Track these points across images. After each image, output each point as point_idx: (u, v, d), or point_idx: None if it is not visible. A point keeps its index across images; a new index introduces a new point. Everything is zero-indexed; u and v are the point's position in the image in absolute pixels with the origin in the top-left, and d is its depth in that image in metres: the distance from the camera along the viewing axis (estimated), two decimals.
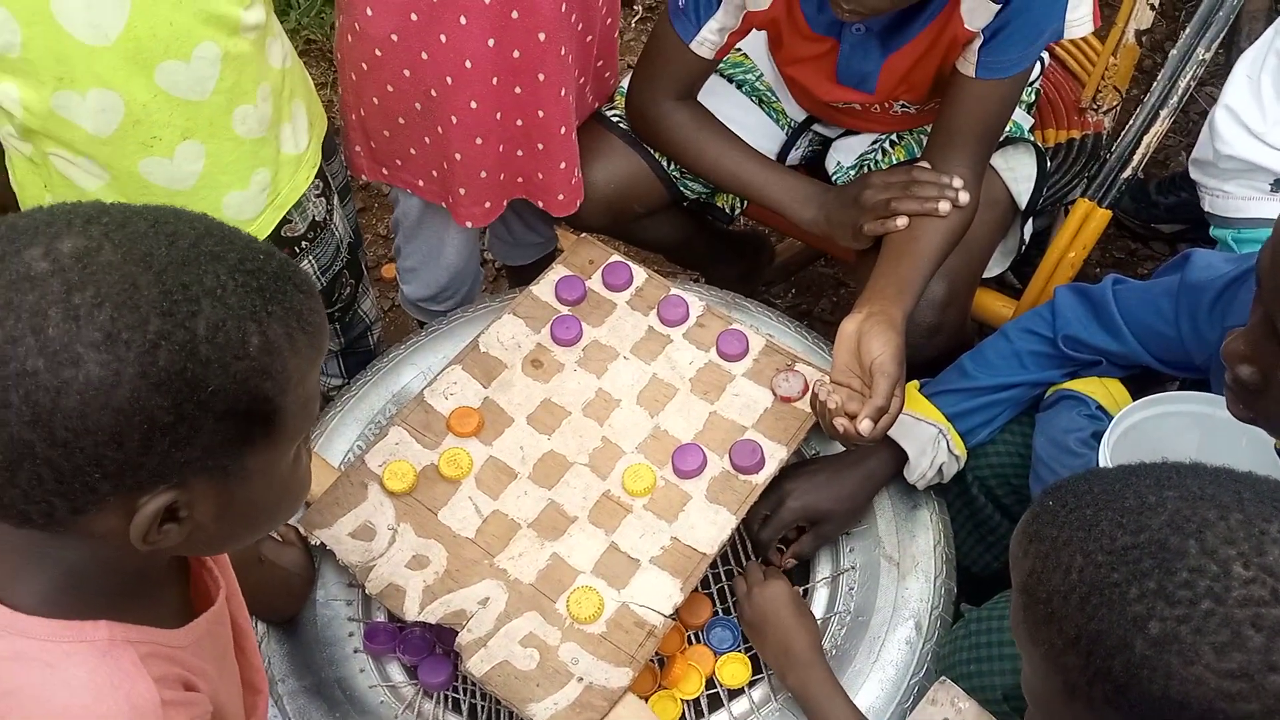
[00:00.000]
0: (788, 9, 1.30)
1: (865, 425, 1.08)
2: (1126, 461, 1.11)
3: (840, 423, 1.10)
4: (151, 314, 0.60)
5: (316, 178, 1.37)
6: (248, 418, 0.66)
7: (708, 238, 1.78)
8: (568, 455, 1.25)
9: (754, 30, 1.37)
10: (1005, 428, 1.27)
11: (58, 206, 0.65)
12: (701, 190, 1.53)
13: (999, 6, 1.17)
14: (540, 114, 1.35)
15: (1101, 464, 1.11)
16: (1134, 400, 1.18)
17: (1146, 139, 1.31)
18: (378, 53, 1.29)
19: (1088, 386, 1.21)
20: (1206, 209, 1.55)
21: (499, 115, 1.34)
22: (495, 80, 1.30)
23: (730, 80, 1.55)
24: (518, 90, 1.32)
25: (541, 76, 1.31)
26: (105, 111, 1.10)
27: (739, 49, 1.56)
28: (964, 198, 1.22)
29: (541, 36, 1.27)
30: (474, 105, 1.31)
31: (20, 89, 1.06)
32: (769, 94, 1.55)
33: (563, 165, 1.40)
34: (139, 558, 0.68)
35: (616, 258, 1.42)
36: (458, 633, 1.13)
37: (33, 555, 0.70)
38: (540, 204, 1.46)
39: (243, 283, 0.64)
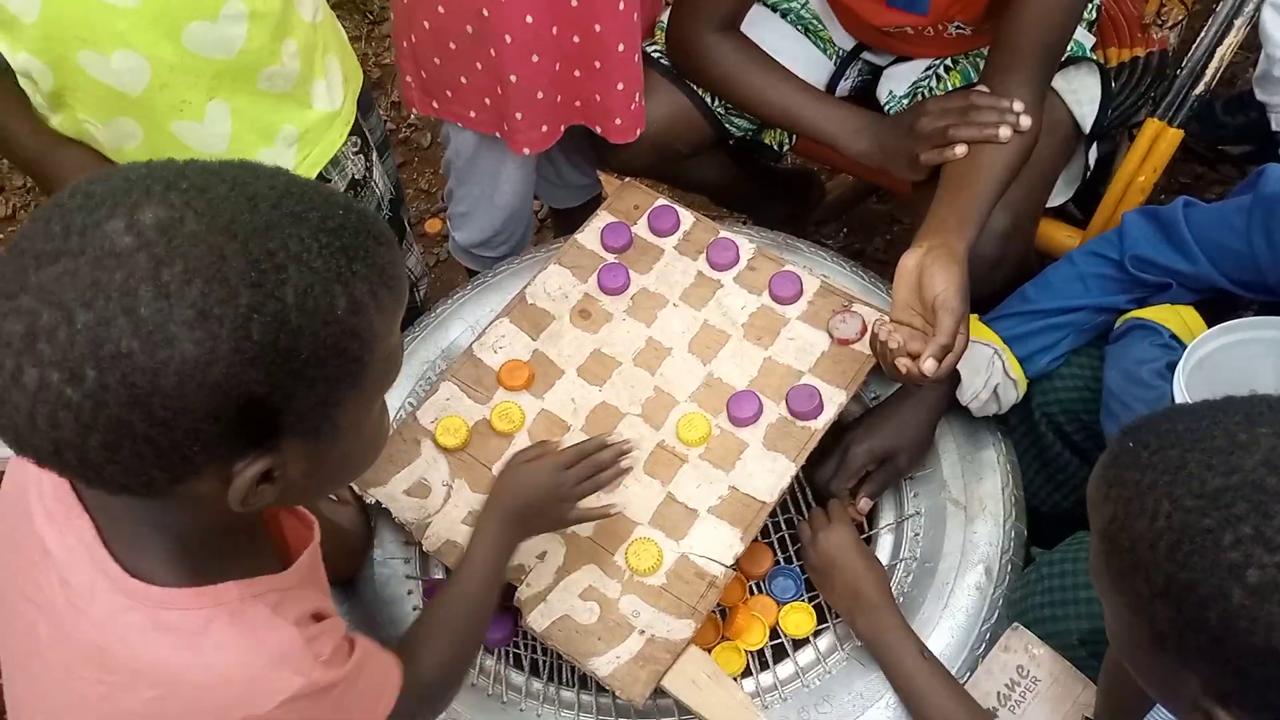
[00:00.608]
0: None
1: (929, 365, 1.04)
2: (1202, 393, 1.08)
3: (903, 363, 1.06)
4: (241, 286, 0.59)
5: (354, 134, 1.34)
6: (338, 379, 0.65)
7: (755, 177, 1.73)
8: (620, 406, 1.23)
9: None
10: (1073, 360, 1.22)
11: (133, 168, 0.63)
12: (748, 127, 1.48)
13: None
14: (597, 28, 1.30)
15: (1176, 396, 1.06)
16: (1208, 327, 1.12)
17: (1220, 52, 1.24)
18: None
19: (1160, 314, 1.16)
20: (1274, 128, 1.47)
21: (555, 29, 1.30)
22: None
23: (774, 9, 1.49)
24: (574, 2, 1.28)
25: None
26: (131, 73, 1.08)
27: None
28: (1025, 122, 1.16)
29: None
30: (529, 19, 1.27)
31: (40, 56, 1.04)
32: (815, 22, 1.49)
33: (621, 86, 1.36)
34: (238, 515, 0.69)
35: (662, 201, 1.38)
36: (516, 588, 1.11)
37: (143, 523, 0.71)
38: (599, 129, 1.41)
39: (326, 244, 0.62)
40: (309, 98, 1.25)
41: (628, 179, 1.45)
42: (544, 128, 1.39)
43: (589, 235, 1.35)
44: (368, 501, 1.19)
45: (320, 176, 1.30)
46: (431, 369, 1.31)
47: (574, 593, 1.11)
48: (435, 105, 1.43)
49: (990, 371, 1.15)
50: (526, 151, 1.41)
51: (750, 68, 1.33)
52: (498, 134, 1.42)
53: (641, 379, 1.25)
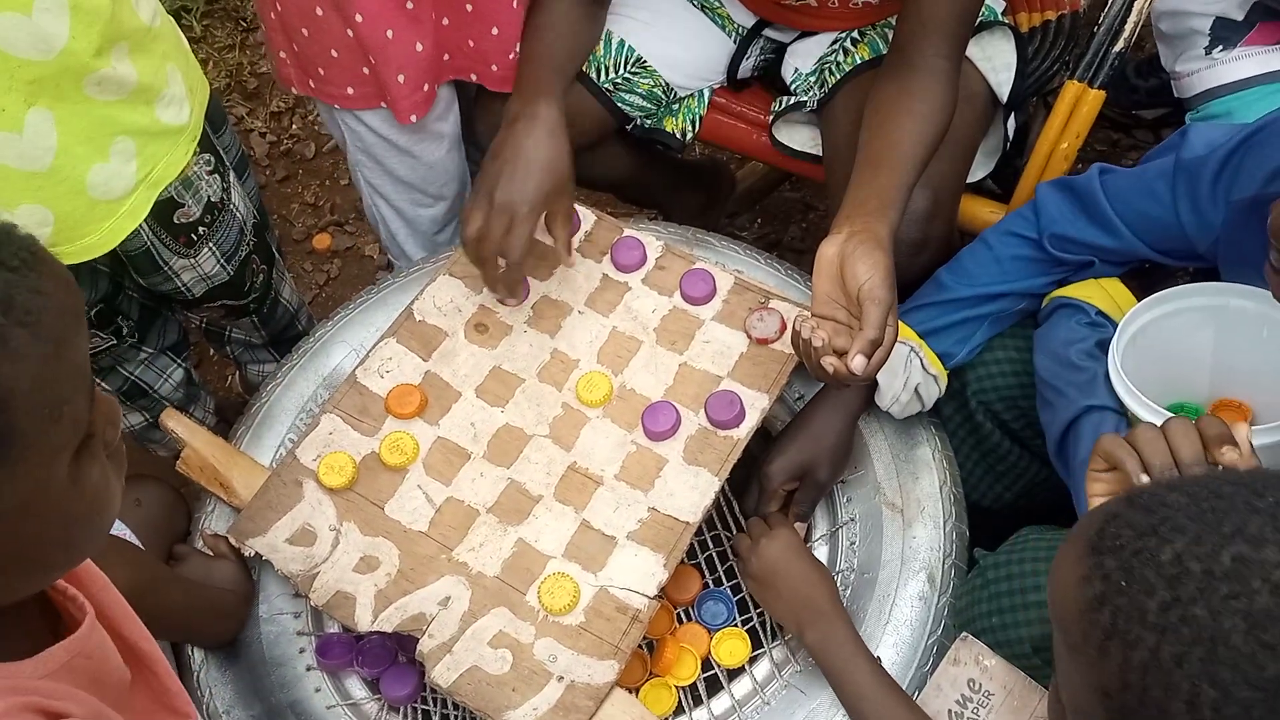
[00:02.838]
0: None
1: (858, 362, 0.95)
2: (1138, 371, 1.01)
3: (829, 362, 0.97)
4: None
5: (205, 152, 1.20)
6: None
7: (660, 169, 1.63)
8: (525, 428, 1.12)
9: None
10: (1007, 343, 1.14)
11: None
12: (643, 107, 1.38)
13: None
14: None
15: (1112, 376, 0.99)
16: (1136, 300, 1.06)
17: (1138, 4, 1.17)
18: None
19: (1084, 291, 1.09)
20: (1176, 95, 1.43)
21: None
22: None
23: None
24: None
25: None
26: None
27: None
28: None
29: None
30: None
31: None
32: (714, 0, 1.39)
33: (495, 31, 1.25)
34: None
35: None
36: (418, 640, 1.00)
37: None
38: (473, 77, 1.30)
39: None
40: (149, 109, 1.11)
41: None
42: (425, 87, 1.28)
43: None
44: (246, 554, 1.06)
45: (171, 199, 1.17)
46: (312, 400, 1.18)
47: (483, 640, 1.00)
48: (312, 84, 1.30)
49: (909, 371, 1.06)
50: (413, 119, 1.29)
51: (555, 17, 1.22)
52: (382, 105, 1.29)
53: (548, 396, 1.14)
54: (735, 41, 1.41)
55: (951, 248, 1.22)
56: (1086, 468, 0.97)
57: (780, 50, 1.42)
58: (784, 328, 1.16)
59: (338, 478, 1.08)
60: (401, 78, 1.24)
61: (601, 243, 1.25)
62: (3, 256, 0.52)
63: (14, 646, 0.63)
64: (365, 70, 1.25)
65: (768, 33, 1.41)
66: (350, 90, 1.28)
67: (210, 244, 1.25)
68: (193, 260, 1.24)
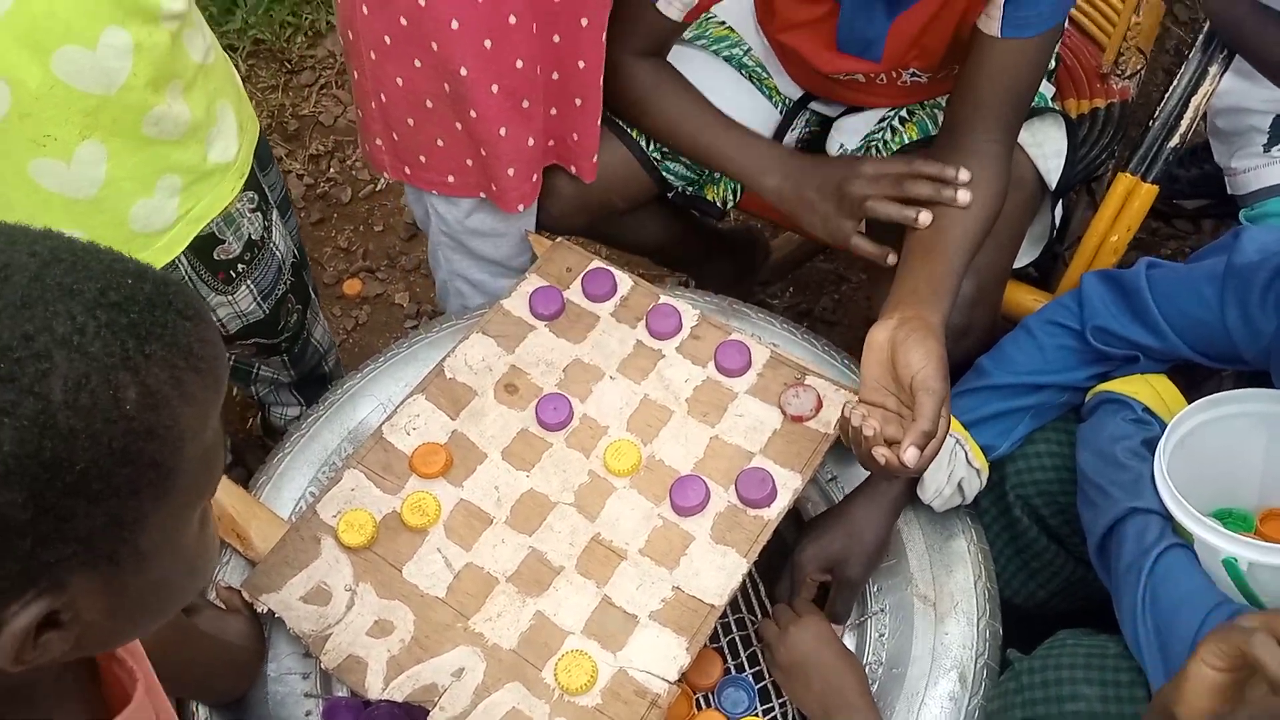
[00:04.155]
0: None
1: (911, 454, 0.92)
2: (1185, 474, 0.98)
3: (880, 453, 0.94)
4: None
5: (250, 189, 1.20)
6: (134, 492, 0.51)
7: (697, 236, 1.62)
8: (550, 494, 1.09)
9: None
10: (1048, 436, 1.11)
11: None
12: (687, 175, 1.37)
13: None
14: (581, 64, 1.19)
15: (1159, 482, 0.96)
16: (1184, 398, 1.03)
17: (1195, 101, 1.16)
18: (403, 21, 1.11)
19: (1131, 386, 1.06)
20: (1230, 191, 1.42)
21: (539, 70, 1.18)
22: (536, 29, 1.14)
23: (717, 55, 1.39)
24: (556, 39, 1.16)
25: (584, 21, 1.15)
26: None
27: (723, 22, 1.40)
28: (964, 197, 1.05)
29: None
30: (520, 65, 1.15)
31: None
32: (759, 70, 1.39)
33: (596, 123, 1.25)
34: (24, 674, 0.53)
35: (598, 263, 1.26)
36: (429, 712, 0.96)
37: None
38: (573, 169, 1.30)
39: (108, 321, 0.50)
40: (200, 146, 1.11)
41: (560, 239, 1.32)
42: (534, 177, 1.27)
43: (516, 301, 1.22)
44: (259, 610, 1.03)
45: (212, 235, 1.16)
46: (336, 454, 1.16)
47: (495, 717, 0.96)
48: (408, 171, 1.29)
49: (953, 464, 1.03)
50: (521, 208, 1.28)
51: (666, 91, 1.24)
52: (483, 195, 1.28)
53: (575, 462, 1.11)
54: (781, 113, 1.40)
55: (995, 334, 1.20)
56: (1131, 573, 0.94)
57: (826, 124, 1.41)
58: (819, 406, 1.14)
59: (357, 536, 1.05)
60: (511, 171, 1.23)
61: (637, 308, 1.23)
62: (179, 306, 0.54)
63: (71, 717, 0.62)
64: (469, 161, 1.24)
65: (814, 106, 1.40)
66: (451, 179, 1.27)
67: (248, 281, 1.24)
68: (230, 297, 1.24)
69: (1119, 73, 1.50)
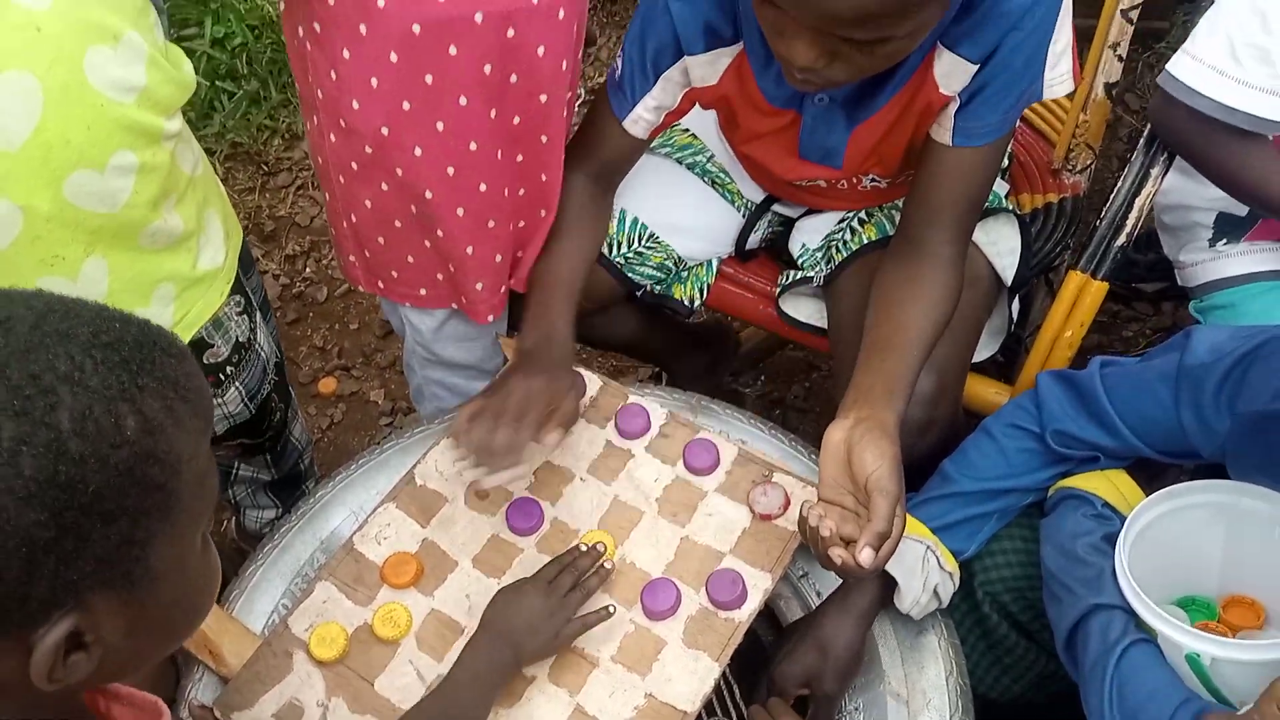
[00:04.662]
0: (740, 84, 1.18)
1: (866, 555, 0.93)
2: (1146, 567, 0.99)
3: (837, 554, 0.95)
4: (2, 418, 0.53)
5: (236, 293, 1.22)
6: (143, 511, 0.57)
7: (667, 331, 1.65)
8: None
9: (699, 108, 1.26)
10: (1013, 532, 1.13)
11: None
12: (655, 276, 1.40)
13: (976, 68, 1.05)
14: (544, 178, 1.22)
15: (1120, 579, 0.97)
16: (1144, 493, 1.05)
17: (1139, 201, 1.20)
18: (368, 150, 1.14)
19: (1091, 482, 1.08)
20: (1180, 283, 1.46)
21: (506, 191, 1.21)
22: (500, 154, 1.17)
23: (680, 163, 1.43)
24: (520, 159, 1.19)
25: (544, 138, 1.19)
26: (0, 222, 0.95)
27: (687, 129, 1.45)
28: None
29: (543, 99, 1.15)
30: (483, 188, 1.18)
31: None
32: (723, 175, 1.43)
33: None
34: (53, 701, 0.59)
35: None
36: None
37: None
38: (513, 280, 1.31)
39: (103, 359, 0.57)
40: (191, 254, 1.14)
41: None
42: (503, 289, 1.30)
43: None
44: None
45: (202, 340, 1.18)
46: (309, 565, 1.16)
47: None
48: (381, 285, 1.31)
49: (927, 571, 1.05)
50: (491, 319, 1.30)
51: (573, 234, 1.23)
52: (455, 305, 1.31)
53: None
54: (744, 216, 1.44)
55: (957, 429, 1.22)
56: (1097, 670, 0.95)
57: (788, 224, 1.45)
58: (787, 503, 1.15)
59: (329, 650, 1.05)
60: (480, 285, 1.26)
61: (606, 408, 1.25)
62: (163, 345, 0.61)
63: None
64: (440, 276, 1.27)
65: (776, 208, 1.44)
66: (423, 291, 1.30)
67: (237, 383, 1.26)
68: (220, 400, 1.25)
69: (1070, 168, 1.55)
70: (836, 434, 1.01)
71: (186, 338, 1.16)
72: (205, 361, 1.20)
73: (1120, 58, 1.52)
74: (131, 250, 1.06)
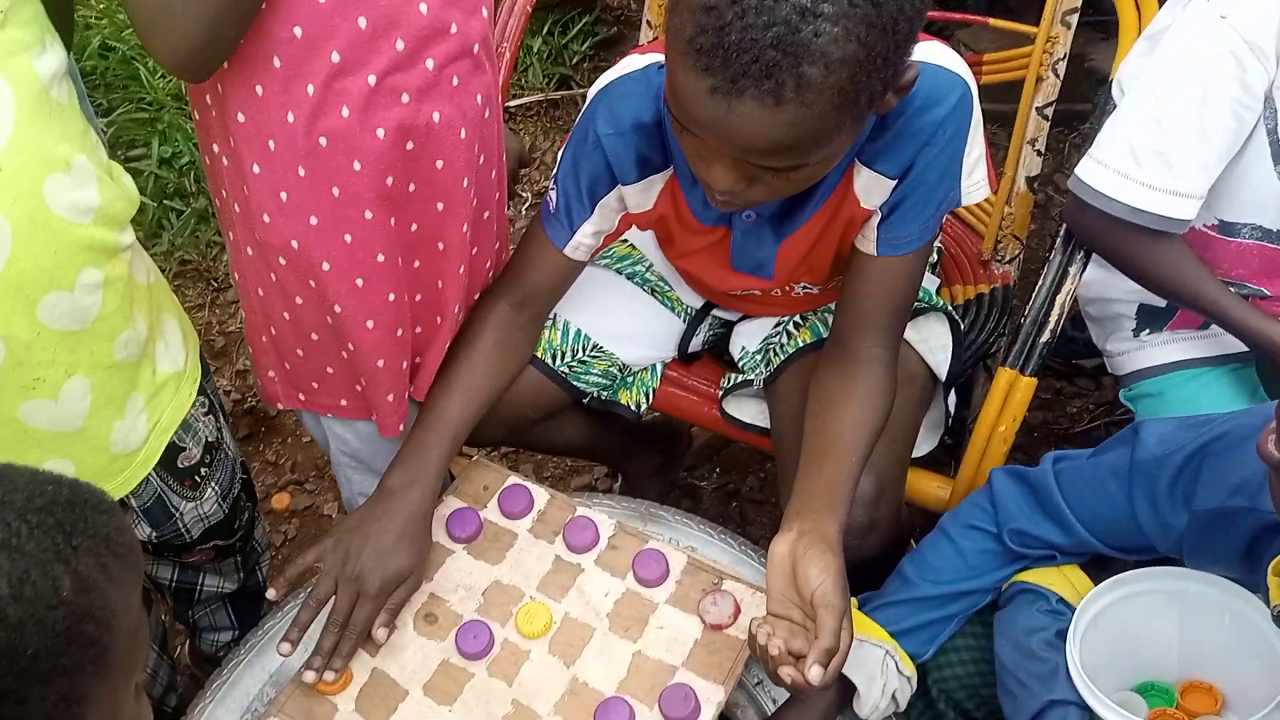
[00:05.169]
0: (673, 205, 1.22)
1: (815, 672, 0.94)
2: (1099, 657, 1.01)
3: (786, 673, 0.96)
4: None
5: (202, 395, 1.23)
6: (78, 669, 0.58)
7: (617, 432, 1.66)
8: None
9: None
10: (966, 630, 1.14)
11: None
12: (600, 383, 1.42)
13: (894, 182, 1.10)
14: (440, 284, 1.24)
15: (1072, 673, 0.98)
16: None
17: (1060, 299, 1.24)
18: (281, 262, 1.16)
19: (1045, 577, 1.10)
20: (1109, 371, 1.50)
21: (408, 297, 1.22)
22: (400, 261, 1.19)
23: (620, 274, 1.46)
24: (417, 264, 1.21)
25: (441, 245, 1.21)
26: None
27: (626, 240, 1.48)
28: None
29: (440, 206, 1.17)
30: (392, 298, 1.19)
31: None
32: (662, 283, 1.47)
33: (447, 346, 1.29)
34: None
35: (513, 480, 1.29)
36: None
37: None
38: (413, 389, 1.31)
39: (38, 523, 0.58)
40: (151, 361, 1.15)
41: (477, 456, 1.36)
42: (405, 395, 1.30)
43: (434, 525, 1.24)
44: None
45: (173, 444, 1.19)
46: (258, 700, 1.14)
47: None
48: (302, 398, 1.32)
49: (886, 675, 1.05)
50: (401, 429, 1.30)
51: (471, 365, 1.24)
52: (372, 418, 1.31)
53: (497, 692, 1.11)
54: (685, 321, 1.47)
55: (900, 527, 1.24)
56: None
57: (729, 326, 1.48)
58: (738, 612, 1.15)
59: None
60: (390, 397, 1.27)
61: (554, 522, 1.25)
62: (94, 503, 0.62)
63: None
64: (359, 386, 1.28)
65: (716, 312, 1.47)
66: (344, 402, 1.31)
67: (212, 483, 1.27)
68: (197, 502, 1.26)
69: (999, 259, 1.61)
70: (781, 547, 1.02)
71: (163, 443, 1.17)
72: (180, 465, 1.21)
73: (1039, 153, 1.58)
74: (109, 366, 1.08)
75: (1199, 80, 1.12)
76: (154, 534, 1.25)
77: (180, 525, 1.26)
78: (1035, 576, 1.10)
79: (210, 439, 1.25)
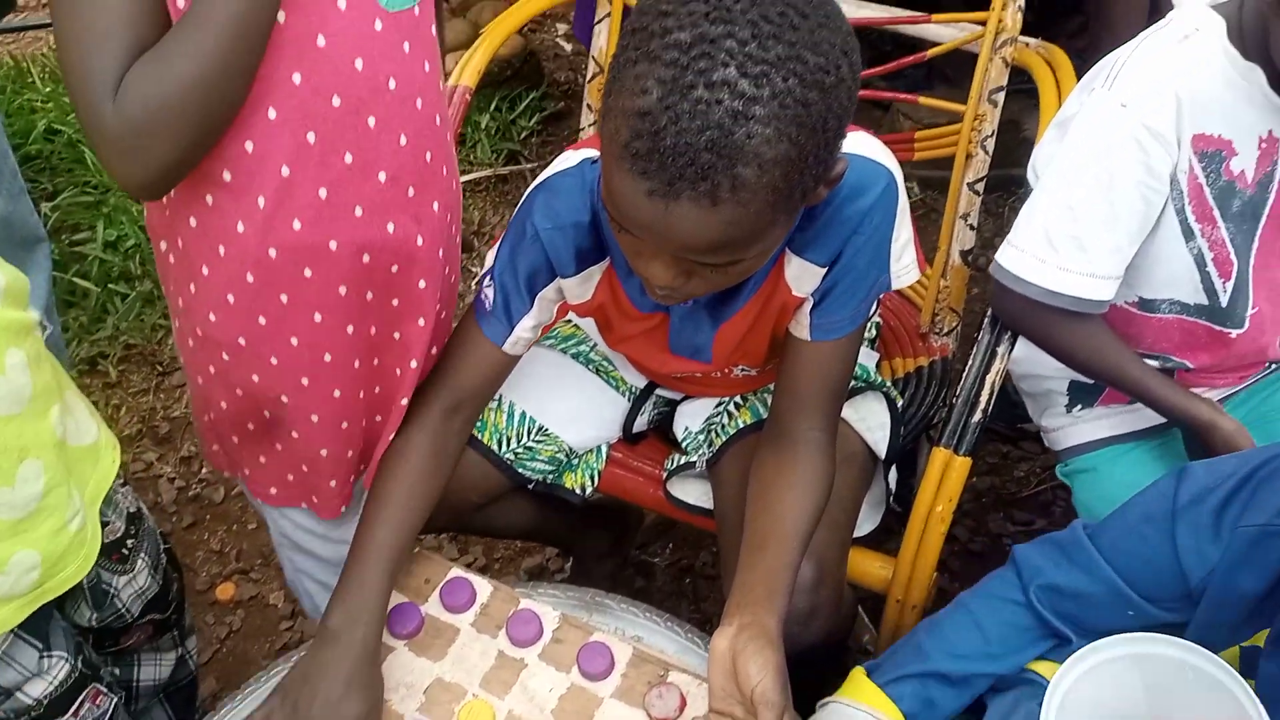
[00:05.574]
0: (612, 293, 1.23)
1: None
2: None
3: None
4: None
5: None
6: None
7: (565, 513, 1.65)
8: None
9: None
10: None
11: None
12: (545, 469, 1.41)
13: (824, 270, 1.12)
14: (398, 372, 1.23)
15: None
16: None
17: (990, 379, 1.26)
18: (225, 357, 1.16)
19: (1052, 670, 1.07)
20: (1046, 446, 1.51)
21: (361, 394, 1.21)
22: (357, 363, 1.18)
23: (565, 353, 1.47)
24: (376, 362, 1.21)
25: (397, 335, 1.20)
26: None
27: (570, 321, 1.49)
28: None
29: (395, 303, 1.17)
30: (338, 394, 1.18)
31: None
32: (606, 363, 1.47)
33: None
34: None
35: (455, 573, 1.27)
36: None
37: None
38: (365, 478, 1.29)
39: None
40: (65, 434, 1.13)
41: (420, 547, 1.34)
42: (351, 479, 1.30)
43: None
44: None
45: (102, 520, 1.17)
46: None
47: None
48: (246, 472, 1.32)
49: None
50: (343, 509, 1.30)
51: (401, 488, 1.19)
52: (304, 505, 1.30)
53: None
54: (629, 401, 1.47)
55: (842, 610, 1.24)
56: None
57: (673, 405, 1.49)
58: (683, 704, 1.14)
59: None
60: (333, 483, 1.26)
61: (497, 615, 1.24)
62: None
63: None
64: (290, 477, 1.26)
65: (659, 392, 1.48)
66: (273, 490, 1.29)
67: (141, 555, 1.24)
68: (130, 575, 1.23)
69: (937, 331, 1.63)
70: (721, 643, 1.02)
71: (96, 516, 1.14)
72: (107, 539, 1.18)
73: (971, 227, 1.62)
74: (54, 444, 1.06)
75: (1106, 167, 1.16)
76: (95, 616, 1.23)
77: (120, 604, 1.24)
78: (1043, 669, 1.07)
79: (131, 510, 1.24)
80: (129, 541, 1.23)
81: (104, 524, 1.18)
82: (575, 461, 1.47)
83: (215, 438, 1.30)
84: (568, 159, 1.17)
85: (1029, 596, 1.07)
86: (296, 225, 1.05)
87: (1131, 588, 1.05)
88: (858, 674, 1.10)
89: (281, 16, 0.95)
